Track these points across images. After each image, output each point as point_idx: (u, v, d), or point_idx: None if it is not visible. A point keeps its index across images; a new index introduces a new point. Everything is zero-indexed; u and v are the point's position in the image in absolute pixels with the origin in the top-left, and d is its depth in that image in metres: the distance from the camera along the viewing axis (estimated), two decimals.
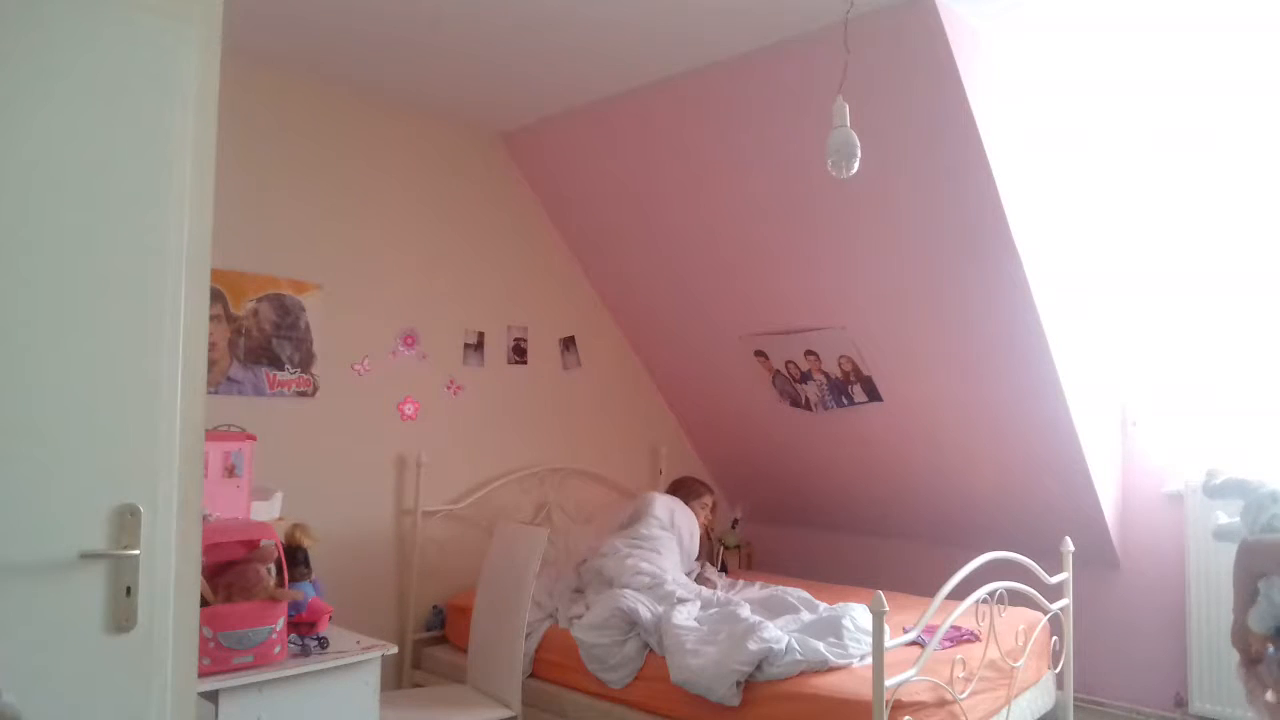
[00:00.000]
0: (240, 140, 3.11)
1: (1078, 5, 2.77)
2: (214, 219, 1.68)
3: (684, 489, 4.17)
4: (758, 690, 2.72)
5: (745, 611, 3.13)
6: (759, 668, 2.74)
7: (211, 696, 2.08)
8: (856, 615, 3.03)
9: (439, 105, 3.75)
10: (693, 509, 4.01)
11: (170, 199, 1.62)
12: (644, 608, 3.17)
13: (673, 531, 3.76)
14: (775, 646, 2.77)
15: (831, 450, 4.37)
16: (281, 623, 2.23)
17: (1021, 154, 3.16)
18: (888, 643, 2.41)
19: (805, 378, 4.17)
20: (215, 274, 1.74)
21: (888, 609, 2.39)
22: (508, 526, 3.38)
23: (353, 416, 3.53)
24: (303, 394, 3.40)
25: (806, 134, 3.09)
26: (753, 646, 2.77)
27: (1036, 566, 3.16)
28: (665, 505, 3.85)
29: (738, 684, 2.72)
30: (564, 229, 4.38)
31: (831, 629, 2.96)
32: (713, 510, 4.15)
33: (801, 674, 2.72)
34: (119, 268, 1.56)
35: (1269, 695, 2.52)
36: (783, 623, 3.10)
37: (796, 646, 2.79)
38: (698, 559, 3.99)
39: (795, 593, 3.47)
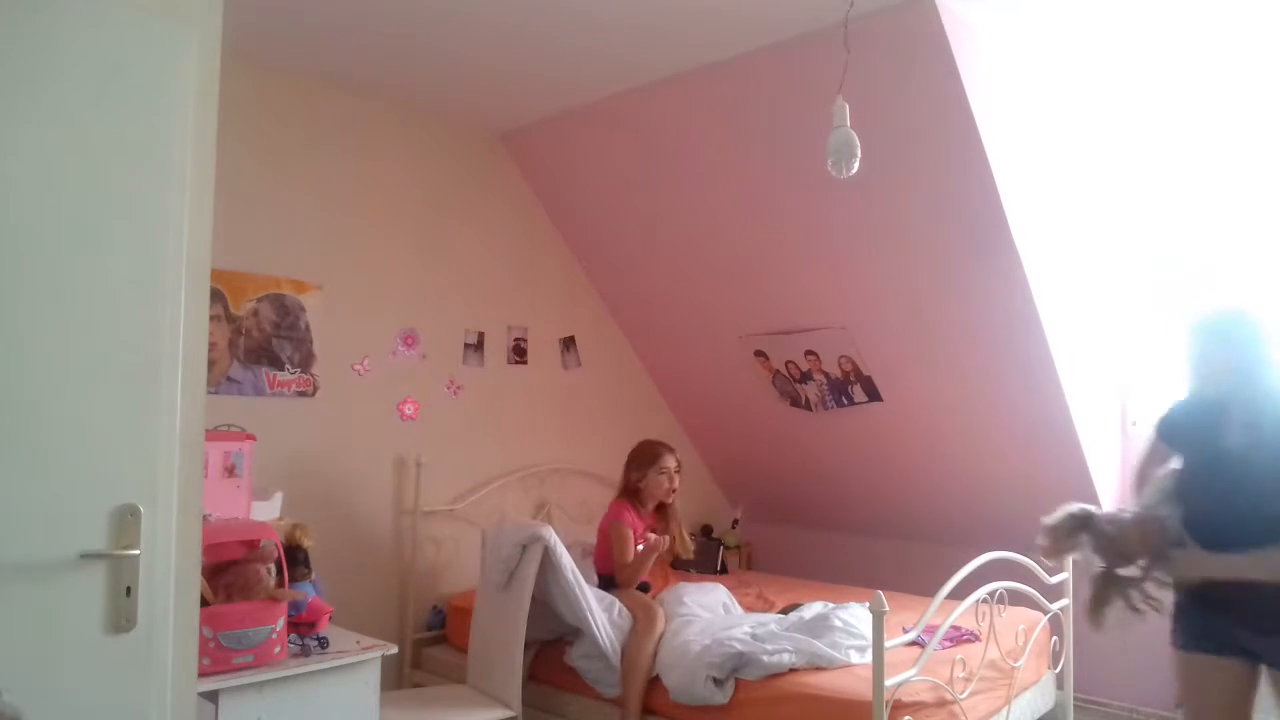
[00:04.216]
0: (240, 140, 3.10)
1: (1078, 4, 2.77)
2: (214, 219, 1.68)
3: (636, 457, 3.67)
4: (756, 690, 2.72)
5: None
6: (739, 670, 2.75)
7: (211, 696, 2.08)
8: (845, 614, 3.03)
9: (439, 105, 3.75)
10: (647, 475, 3.57)
11: (170, 199, 1.61)
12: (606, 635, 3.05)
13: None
14: (744, 651, 2.77)
15: (831, 450, 4.37)
16: (281, 623, 2.23)
17: (1021, 153, 3.16)
18: (887, 643, 2.42)
19: (805, 378, 4.17)
20: (215, 274, 1.74)
21: (888, 609, 2.39)
22: (506, 524, 3.36)
23: (353, 416, 3.53)
24: (303, 394, 3.39)
25: (806, 134, 3.08)
26: (718, 650, 2.80)
27: (1037, 566, 3.16)
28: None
29: (715, 680, 2.73)
30: (564, 229, 4.38)
31: (824, 627, 2.97)
32: (677, 470, 3.62)
33: (792, 671, 2.73)
34: (119, 268, 1.56)
35: None
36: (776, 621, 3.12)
37: (788, 646, 2.80)
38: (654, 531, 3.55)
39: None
